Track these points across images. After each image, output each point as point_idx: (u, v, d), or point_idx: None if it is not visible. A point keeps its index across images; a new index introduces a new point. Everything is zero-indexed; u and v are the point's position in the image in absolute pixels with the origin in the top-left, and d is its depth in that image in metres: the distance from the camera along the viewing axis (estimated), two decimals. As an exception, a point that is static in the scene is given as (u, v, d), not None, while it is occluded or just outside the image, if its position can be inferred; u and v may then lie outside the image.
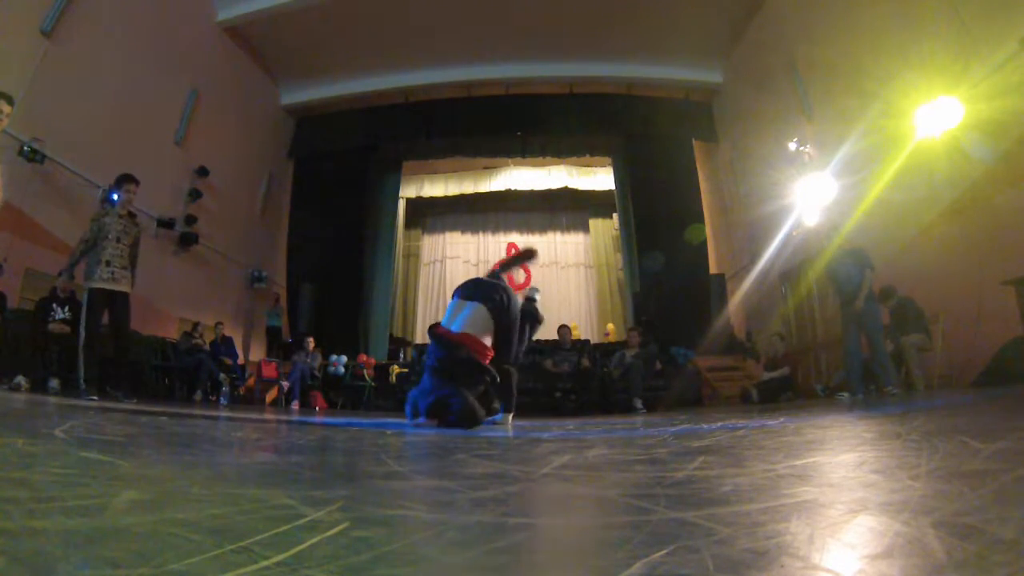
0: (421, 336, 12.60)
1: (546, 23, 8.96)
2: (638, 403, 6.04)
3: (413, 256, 13.76)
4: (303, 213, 10.54)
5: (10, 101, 3.71)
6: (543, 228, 13.75)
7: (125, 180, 4.48)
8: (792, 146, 7.27)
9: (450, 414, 2.56)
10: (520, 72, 9.97)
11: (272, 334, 9.77)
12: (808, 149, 7.16)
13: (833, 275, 5.09)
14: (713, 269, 9.78)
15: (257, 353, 9.61)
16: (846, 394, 4.77)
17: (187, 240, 8.18)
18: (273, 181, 10.52)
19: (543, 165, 12.29)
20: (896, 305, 5.31)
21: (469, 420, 2.51)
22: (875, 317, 4.80)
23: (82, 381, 4.10)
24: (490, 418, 3.16)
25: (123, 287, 4.36)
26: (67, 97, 6.11)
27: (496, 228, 13.79)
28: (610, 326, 12.02)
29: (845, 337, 4.94)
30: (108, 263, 4.25)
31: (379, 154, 10.84)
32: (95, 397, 3.96)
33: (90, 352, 4.17)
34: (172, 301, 7.96)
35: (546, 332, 5.28)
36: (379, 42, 9.29)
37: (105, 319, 4.35)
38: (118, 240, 4.34)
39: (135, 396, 4.43)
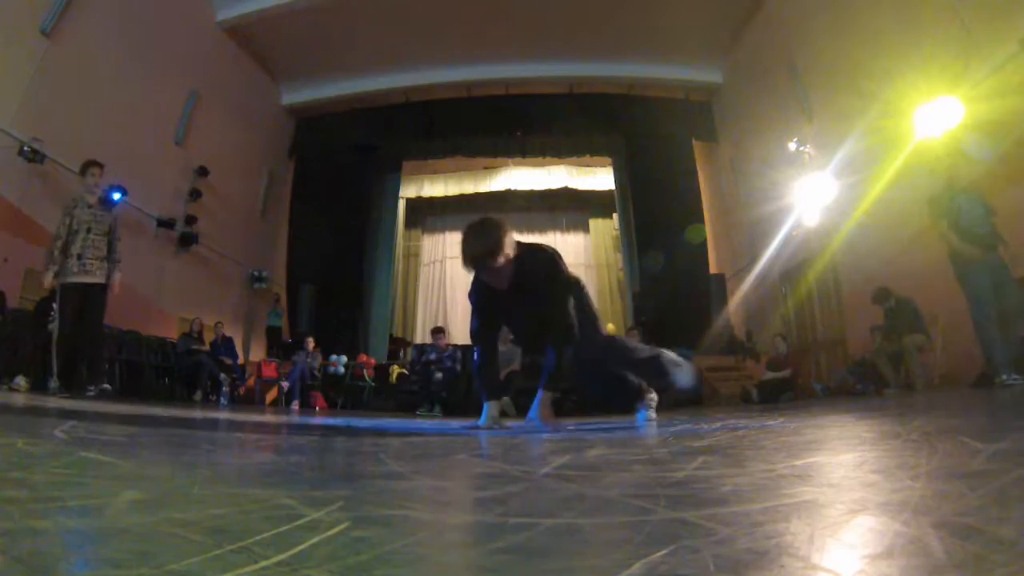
0: (421, 336, 12.60)
1: (546, 23, 8.96)
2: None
3: (413, 256, 13.76)
4: (303, 213, 10.55)
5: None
6: (543, 228, 13.74)
7: (89, 165, 4.36)
8: (792, 146, 7.28)
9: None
10: (520, 72, 9.97)
11: (272, 334, 9.77)
12: (808, 149, 7.16)
13: (953, 213, 4.04)
14: (713, 269, 9.78)
15: (257, 353, 9.61)
16: (1004, 376, 3.61)
17: (187, 240, 8.18)
18: (273, 181, 10.52)
19: (543, 165, 12.29)
20: (895, 306, 5.30)
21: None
22: (986, 282, 3.80)
23: (55, 376, 4.03)
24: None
25: (97, 279, 4.21)
26: (67, 97, 6.11)
27: (496, 228, 13.78)
28: (610, 326, 12.00)
29: (977, 297, 3.85)
30: (79, 256, 4.13)
31: (379, 154, 10.84)
32: (67, 393, 3.89)
33: (59, 349, 4.08)
34: (172, 301, 7.96)
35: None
36: (379, 42, 9.29)
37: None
38: (88, 231, 4.20)
39: (99, 387, 4.21)
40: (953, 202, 4.12)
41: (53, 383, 4.52)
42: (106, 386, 4.20)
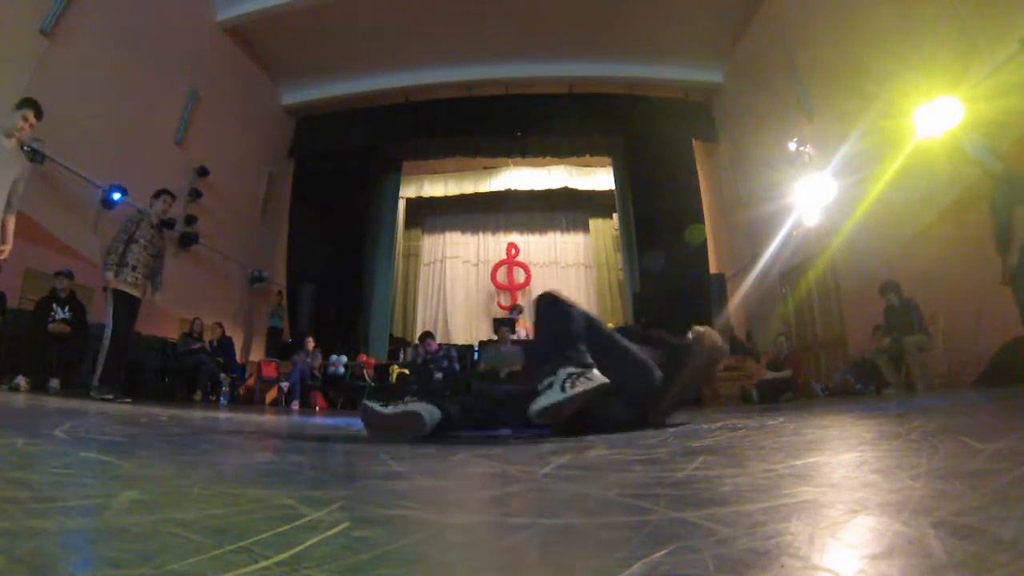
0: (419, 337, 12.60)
1: (546, 23, 8.96)
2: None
3: (413, 256, 13.76)
4: (303, 213, 10.54)
5: (38, 113, 3.69)
6: (543, 228, 13.75)
7: (163, 192, 4.66)
8: (792, 146, 7.27)
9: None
10: (520, 72, 9.96)
11: (273, 335, 9.72)
12: (808, 149, 7.16)
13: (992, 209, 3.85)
14: (713, 269, 9.78)
15: (257, 353, 9.60)
16: None
17: (187, 240, 8.18)
18: (273, 181, 10.51)
19: (543, 165, 12.29)
20: (897, 305, 5.30)
21: None
22: None
23: (96, 379, 4.11)
24: None
25: (140, 294, 4.50)
26: (67, 97, 6.10)
27: (496, 228, 13.79)
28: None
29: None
30: (135, 268, 4.36)
31: (379, 154, 10.84)
32: (109, 397, 3.96)
33: (114, 352, 4.20)
34: (172, 301, 7.92)
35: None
36: (379, 42, 9.29)
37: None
38: (146, 248, 4.44)
39: (130, 397, 4.44)
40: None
41: (54, 383, 4.56)
42: (127, 399, 4.27)
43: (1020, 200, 3.72)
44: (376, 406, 1.79)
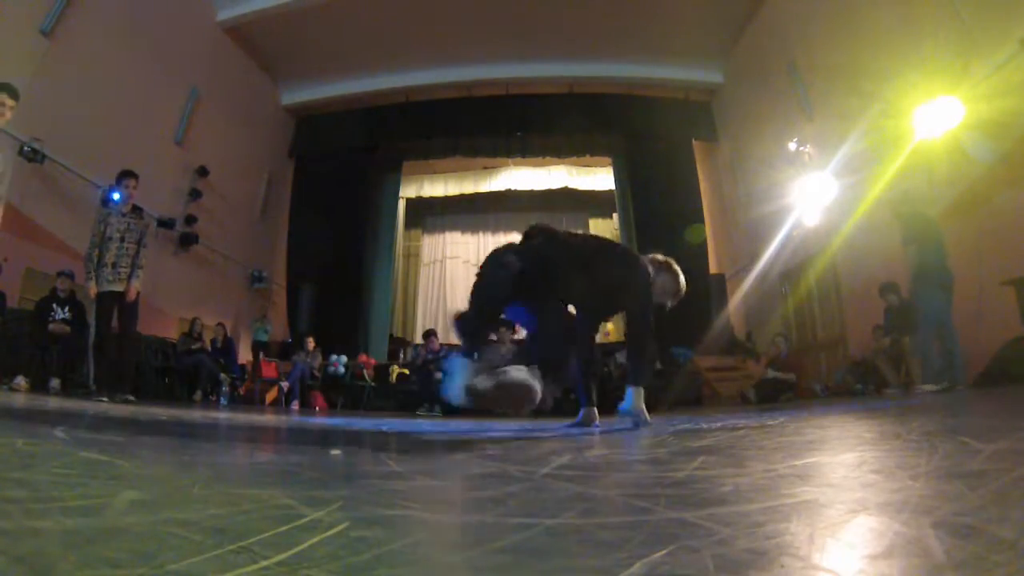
0: (421, 336, 12.58)
1: (546, 23, 8.96)
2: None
3: (413, 256, 13.76)
4: (303, 213, 10.53)
5: (14, 94, 3.63)
6: (543, 228, 13.73)
7: (124, 176, 4.43)
8: (792, 146, 7.27)
9: None
10: (520, 72, 9.96)
11: (259, 348, 9.08)
12: (808, 149, 7.16)
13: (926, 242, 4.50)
14: (713, 269, 9.77)
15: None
16: (931, 386, 4.11)
17: (187, 240, 8.18)
18: (273, 181, 10.51)
19: (543, 165, 12.28)
20: (898, 305, 5.30)
21: None
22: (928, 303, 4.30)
23: (92, 382, 4.10)
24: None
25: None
26: (67, 97, 6.11)
27: (496, 228, 13.78)
28: (610, 326, 11.98)
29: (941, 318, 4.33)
30: (114, 265, 4.22)
31: (379, 154, 10.83)
32: (105, 399, 3.94)
33: (100, 353, 4.16)
34: (172, 301, 7.95)
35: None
36: (379, 42, 9.29)
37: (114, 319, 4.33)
38: (123, 239, 4.29)
39: (134, 396, 4.41)
40: (928, 231, 4.47)
41: (54, 383, 4.55)
42: (129, 396, 4.22)
43: (908, 240, 4.52)
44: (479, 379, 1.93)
